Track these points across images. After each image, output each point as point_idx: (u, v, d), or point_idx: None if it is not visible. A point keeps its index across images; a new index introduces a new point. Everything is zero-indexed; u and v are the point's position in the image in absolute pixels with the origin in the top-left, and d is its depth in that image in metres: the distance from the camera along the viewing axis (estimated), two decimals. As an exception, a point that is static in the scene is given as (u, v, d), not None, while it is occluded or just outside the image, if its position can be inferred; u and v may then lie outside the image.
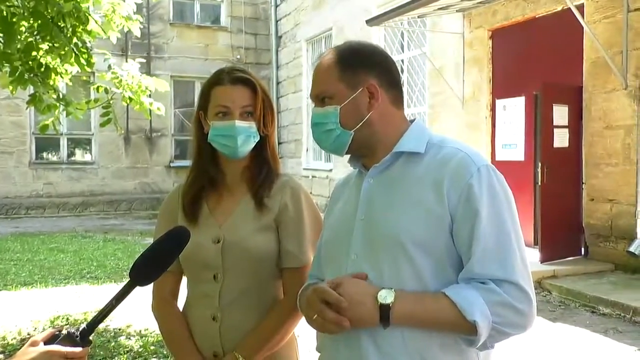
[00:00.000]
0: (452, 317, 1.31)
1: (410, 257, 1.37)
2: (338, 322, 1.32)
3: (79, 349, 1.24)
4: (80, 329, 1.26)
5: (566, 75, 7.70)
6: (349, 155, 1.60)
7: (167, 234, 1.41)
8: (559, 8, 7.40)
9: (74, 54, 4.19)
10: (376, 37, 11.22)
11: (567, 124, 7.54)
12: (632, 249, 6.46)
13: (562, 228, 7.38)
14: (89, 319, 1.30)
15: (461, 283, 1.36)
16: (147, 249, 1.37)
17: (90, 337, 1.28)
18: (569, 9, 6.66)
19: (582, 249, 7.55)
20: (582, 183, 7.47)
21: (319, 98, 1.50)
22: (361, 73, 1.48)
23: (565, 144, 7.55)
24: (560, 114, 7.49)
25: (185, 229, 1.45)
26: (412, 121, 1.54)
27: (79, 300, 6.29)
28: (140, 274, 1.33)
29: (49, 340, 1.25)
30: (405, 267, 1.37)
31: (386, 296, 1.32)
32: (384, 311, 1.32)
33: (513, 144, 8.48)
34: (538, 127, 7.85)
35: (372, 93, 1.47)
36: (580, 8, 7.06)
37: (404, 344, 1.36)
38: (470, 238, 1.35)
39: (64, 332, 1.26)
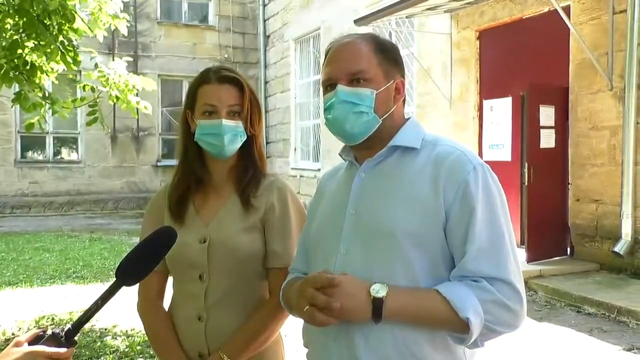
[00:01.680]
0: (444, 314, 1.31)
1: (403, 251, 1.37)
2: (328, 306, 1.30)
3: (63, 350, 1.22)
4: (65, 330, 1.25)
5: (552, 76, 7.76)
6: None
7: (154, 234, 1.40)
8: (546, 9, 7.45)
9: (60, 52, 4.16)
10: (364, 37, 11.22)
11: (553, 125, 7.60)
12: (617, 249, 6.53)
13: (548, 228, 7.43)
14: (75, 319, 1.28)
15: (453, 280, 1.36)
16: (133, 249, 1.35)
17: (76, 338, 1.27)
18: (556, 10, 6.71)
19: (568, 249, 7.60)
20: (568, 183, 7.53)
21: (353, 77, 1.45)
22: (394, 66, 1.51)
23: (552, 144, 7.61)
24: (547, 114, 7.55)
25: (172, 229, 1.44)
26: (407, 119, 1.56)
27: (64, 300, 6.25)
28: (127, 273, 1.31)
29: (33, 341, 1.23)
30: (397, 262, 1.37)
31: (379, 290, 1.31)
32: (377, 305, 1.30)
33: (500, 145, 8.53)
34: (525, 127, 7.90)
35: (398, 89, 1.51)
36: (567, 9, 7.11)
37: (393, 340, 1.36)
38: (464, 235, 1.35)
39: (49, 332, 1.25)
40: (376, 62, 1.47)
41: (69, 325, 1.26)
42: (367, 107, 1.44)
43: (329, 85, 1.49)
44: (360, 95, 1.44)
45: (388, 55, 1.50)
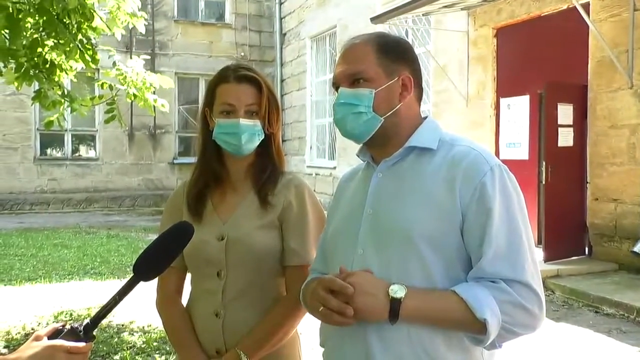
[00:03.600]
0: (461, 314, 1.30)
1: (419, 253, 1.36)
2: (341, 311, 1.31)
3: (82, 344, 1.23)
4: (84, 324, 1.25)
5: (571, 74, 7.68)
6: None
7: (171, 229, 1.40)
8: (565, 6, 7.37)
9: (79, 51, 4.20)
10: (381, 35, 11.19)
11: (571, 123, 7.53)
12: (636, 249, 6.44)
13: (566, 227, 7.36)
14: (92, 314, 1.29)
15: (470, 282, 1.35)
16: (150, 244, 1.36)
17: (94, 332, 1.28)
18: (575, 7, 6.64)
19: (586, 249, 7.53)
20: (587, 182, 7.45)
21: (353, 78, 1.47)
22: (398, 63, 1.49)
23: (570, 143, 7.53)
24: (565, 113, 7.48)
25: (189, 224, 1.44)
26: (424, 118, 1.54)
27: (82, 296, 6.31)
28: (144, 269, 1.32)
29: (52, 335, 1.24)
30: (413, 263, 1.37)
31: (397, 291, 1.31)
32: (395, 305, 1.31)
33: (517, 143, 8.47)
34: (542, 126, 7.83)
35: (405, 85, 1.49)
36: (586, 6, 7.04)
37: (409, 340, 1.35)
38: (481, 237, 1.34)
39: (68, 327, 1.26)
40: (376, 62, 1.46)
41: (87, 320, 1.27)
42: (365, 107, 1.45)
43: (336, 88, 1.52)
44: (359, 95, 1.45)
45: (391, 54, 1.49)
